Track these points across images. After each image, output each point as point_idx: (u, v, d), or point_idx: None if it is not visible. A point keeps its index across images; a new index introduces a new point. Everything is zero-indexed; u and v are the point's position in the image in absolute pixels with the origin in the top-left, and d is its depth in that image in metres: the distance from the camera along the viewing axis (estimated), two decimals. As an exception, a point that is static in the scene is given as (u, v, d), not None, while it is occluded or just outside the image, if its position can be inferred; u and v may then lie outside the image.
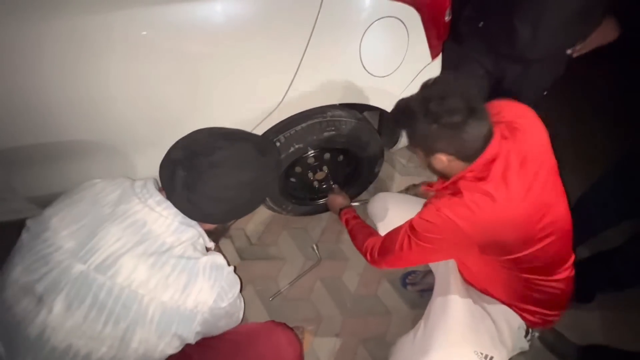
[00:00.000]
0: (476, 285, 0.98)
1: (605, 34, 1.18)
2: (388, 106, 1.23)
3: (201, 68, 0.93)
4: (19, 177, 1.07)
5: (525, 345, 0.94)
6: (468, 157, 0.76)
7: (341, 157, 1.38)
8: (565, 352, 1.22)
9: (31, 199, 1.10)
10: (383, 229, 1.15)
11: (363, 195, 1.59)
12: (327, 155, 1.34)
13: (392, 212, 1.15)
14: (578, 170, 1.94)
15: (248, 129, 1.10)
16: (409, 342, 0.94)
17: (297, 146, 1.20)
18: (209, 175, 0.69)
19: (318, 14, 0.94)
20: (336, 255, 1.49)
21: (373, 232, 1.07)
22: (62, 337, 0.61)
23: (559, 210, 0.80)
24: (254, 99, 1.04)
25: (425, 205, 0.83)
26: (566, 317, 0.92)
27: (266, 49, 0.96)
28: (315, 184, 1.46)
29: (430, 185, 1.01)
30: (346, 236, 1.53)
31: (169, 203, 0.71)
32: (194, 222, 0.74)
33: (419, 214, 0.81)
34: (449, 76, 0.81)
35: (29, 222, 0.69)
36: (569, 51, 1.25)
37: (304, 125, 1.17)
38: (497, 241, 0.77)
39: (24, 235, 0.68)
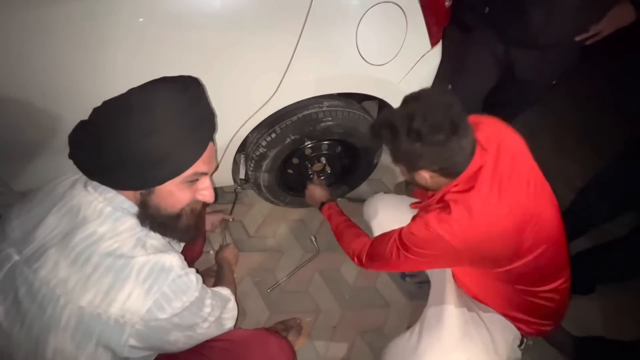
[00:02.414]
0: (471, 294, 0.97)
1: (620, 17, 1.13)
2: (386, 95, 1.20)
3: (192, 58, 0.91)
4: (12, 172, 1.06)
5: (518, 355, 0.95)
6: (451, 173, 0.76)
7: (339, 148, 1.36)
8: (563, 343, 1.22)
9: (24, 194, 1.09)
10: (379, 232, 1.14)
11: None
12: (324, 146, 1.32)
13: (388, 214, 1.14)
14: (580, 161, 1.92)
15: (241, 120, 1.08)
16: (402, 346, 0.94)
17: (293, 137, 1.17)
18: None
19: (312, 0, 0.91)
20: (335, 247, 1.47)
21: (360, 232, 1.07)
22: None
23: (547, 219, 0.79)
24: (247, 89, 1.02)
25: (414, 218, 0.82)
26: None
27: (258, 38, 0.93)
28: (314, 175, 1.44)
29: (418, 202, 1.00)
30: (344, 228, 1.53)
31: (106, 187, 0.63)
32: (134, 208, 0.64)
33: (408, 227, 0.81)
34: (431, 90, 0.78)
35: (1, 211, 0.67)
36: (578, 38, 1.19)
37: (300, 115, 1.14)
38: (486, 255, 0.77)
39: None
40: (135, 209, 0.64)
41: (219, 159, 1.18)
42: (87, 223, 0.59)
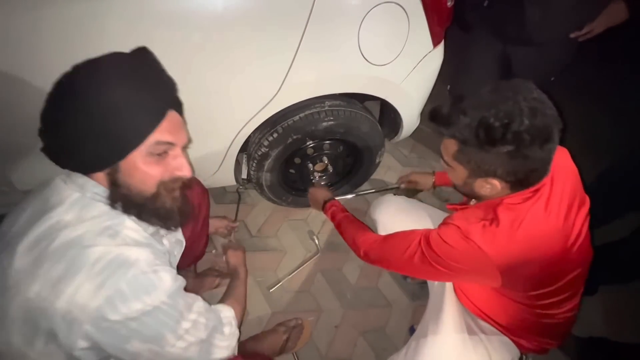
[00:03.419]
0: (473, 309, 0.90)
1: (613, 15, 1.15)
2: (388, 95, 1.20)
3: (194, 58, 0.91)
4: (17, 171, 1.06)
5: None
6: (525, 186, 0.66)
7: (341, 148, 1.36)
8: (566, 344, 1.21)
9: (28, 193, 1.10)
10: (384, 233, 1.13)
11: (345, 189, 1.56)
12: (326, 146, 1.32)
13: (398, 218, 1.09)
14: (583, 161, 1.91)
15: (244, 120, 1.09)
16: None
17: (295, 137, 1.18)
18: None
19: (314, 1, 0.91)
20: (337, 246, 1.49)
21: (364, 226, 1.02)
22: None
23: (587, 242, 0.75)
24: (250, 89, 1.02)
25: (447, 224, 0.72)
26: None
27: (260, 38, 0.93)
28: (316, 179, 1.44)
29: (460, 204, 0.87)
30: (346, 228, 1.53)
31: (78, 174, 0.59)
32: (107, 192, 0.59)
33: (440, 234, 0.70)
34: (512, 84, 0.63)
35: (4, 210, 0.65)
36: (573, 35, 1.21)
37: (302, 115, 1.15)
38: (528, 275, 0.69)
39: None
40: (107, 192, 0.60)
41: (221, 159, 1.19)
42: (53, 211, 0.56)
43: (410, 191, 1.35)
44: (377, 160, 1.45)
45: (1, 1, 0.76)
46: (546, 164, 0.64)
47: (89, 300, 0.50)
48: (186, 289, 1.26)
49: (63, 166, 0.60)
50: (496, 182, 0.66)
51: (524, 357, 0.90)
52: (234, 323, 0.76)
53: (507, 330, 0.85)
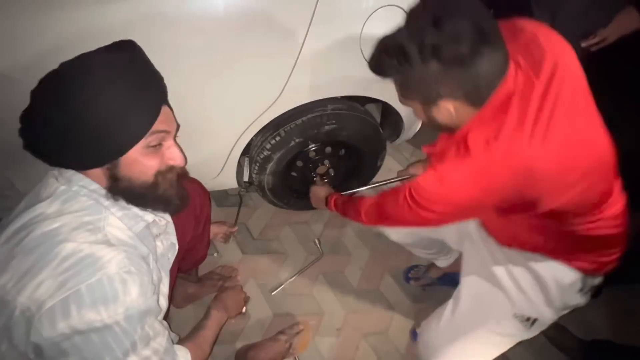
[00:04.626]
0: (510, 243, 0.81)
1: (625, 23, 1.12)
2: (390, 98, 1.20)
3: (195, 62, 0.91)
4: (19, 174, 1.06)
5: (580, 300, 0.80)
6: (481, 98, 0.59)
7: (343, 151, 1.36)
8: (569, 347, 1.21)
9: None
10: (394, 235, 1.13)
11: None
12: (328, 149, 1.32)
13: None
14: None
15: (246, 123, 1.09)
16: (443, 323, 0.89)
17: (297, 140, 1.18)
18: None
19: (316, 4, 0.91)
20: (338, 249, 1.49)
21: (362, 197, 0.98)
22: None
23: (599, 143, 0.64)
24: (251, 93, 1.02)
25: (426, 167, 0.70)
26: (570, 311, 0.90)
27: (263, 42, 0.93)
28: (317, 178, 1.44)
29: (431, 146, 0.81)
30: (349, 230, 1.53)
31: (69, 169, 0.59)
32: (94, 185, 0.59)
33: (420, 180, 0.67)
34: None
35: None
36: (584, 44, 1.18)
37: (304, 118, 1.15)
38: (518, 200, 0.62)
39: None
40: (94, 186, 0.59)
41: (223, 162, 1.19)
42: (37, 204, 0.55)
43: None
44: (379, 163, 1.45)
45: (3, 4, 0.77)
46: (494, 69, 0.57)
47: (46, 299, 0.48)
48: (188, 294, 1.26)
49: (52, 164, 0.60)
50: (448, 105, 0.61)
51: (587, 281, 0.79)
52: None
53: (553, 256, 0.76)
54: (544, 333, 1.22)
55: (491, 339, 0.84)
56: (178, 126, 0.70)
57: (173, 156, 0.65)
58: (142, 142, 0.60)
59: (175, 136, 0.68)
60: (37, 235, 0.51)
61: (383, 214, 0.84)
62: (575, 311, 0.91)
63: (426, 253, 1.25)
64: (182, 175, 0.70)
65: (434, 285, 1.37)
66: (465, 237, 0.95)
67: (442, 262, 1.28)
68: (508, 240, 0.81)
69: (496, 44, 0.56)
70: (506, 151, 0.57)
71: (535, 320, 0.79)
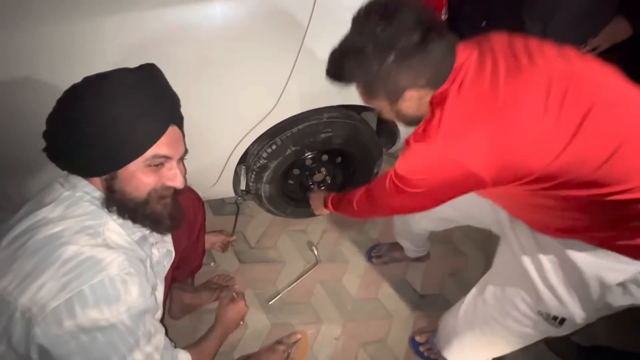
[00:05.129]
0: (543, 229, 0.73)
1: (615, 33, 1.15)
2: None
3: (192, 72, 0.92)
4: (15, 185, 1.06)
5: (624, 301, 0.71)
6: (442, 79, 0.61)
7: (339, 159, 1.37)
8: (570, 353, 1.20)
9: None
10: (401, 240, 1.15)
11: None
12: (325, 157, 1.33)
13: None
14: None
15: (243, 132, 1.09)
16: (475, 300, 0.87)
17: (293, 148, 1.18)
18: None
19: (312, 13, 0.92)
20: (336, 257, 1.48)
21: (354, 190, 0.95)
22: None
23: (590, 72, 0.61)
24: (248, 101, 1.03)
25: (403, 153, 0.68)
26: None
27: (258, 51, 0.94)
28: (314, 185, 1.44)
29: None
30: (346, 238, 1.53)
31: (75, 175, 0.61)
32: (97, 192, 0.61)
33: (396, 165, 0.68)
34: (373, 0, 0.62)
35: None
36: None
37: (300, 127, 1.15)
38: (509, 173, 0.59)
39: None
40: (97, 193, 0.61)
41: (220, 171, 1.19)
42: (42, 208, 0.57)
43: None
44: (375, 170, 1.46)
45: (6, 16, 0.78)
46: (448, 52, 0.60)
47: (49, 300, 0.49)
48: (184, 304, 1.26)
49: (62, 168, 0.62)
50: (412, 94, 0.63)
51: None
52: None
53: (598, 243, 0.66)
54: (543, 340, 1.21)
55: (511, 333, 0.81)
56: (186, 151, 0.70)
57: (173, 178, 0.66)
58: (142, 160, 0.61)
59: (182, 159, 0.69)
60: (40, 239, 0.52)
61: (373, 202, 0.83)
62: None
63: (414, 250, 1.35)
64: (178, 192, 0.70)
65: (397, 262, 1.45)
66: (500, 223, 0.87)
67: (412, 253, 1.35)
68: (541, 225, 0.73)
69: (441, 29, 0.60)
70: (465, 106, 0.58)
71: (563, 320, 0.74)
